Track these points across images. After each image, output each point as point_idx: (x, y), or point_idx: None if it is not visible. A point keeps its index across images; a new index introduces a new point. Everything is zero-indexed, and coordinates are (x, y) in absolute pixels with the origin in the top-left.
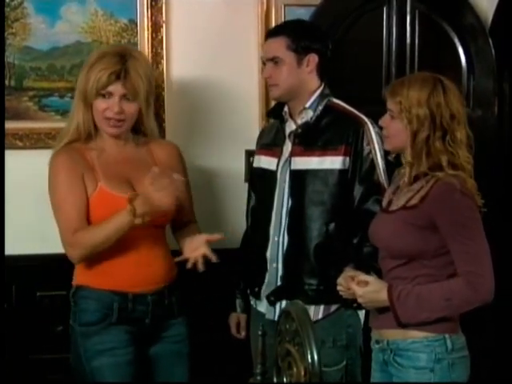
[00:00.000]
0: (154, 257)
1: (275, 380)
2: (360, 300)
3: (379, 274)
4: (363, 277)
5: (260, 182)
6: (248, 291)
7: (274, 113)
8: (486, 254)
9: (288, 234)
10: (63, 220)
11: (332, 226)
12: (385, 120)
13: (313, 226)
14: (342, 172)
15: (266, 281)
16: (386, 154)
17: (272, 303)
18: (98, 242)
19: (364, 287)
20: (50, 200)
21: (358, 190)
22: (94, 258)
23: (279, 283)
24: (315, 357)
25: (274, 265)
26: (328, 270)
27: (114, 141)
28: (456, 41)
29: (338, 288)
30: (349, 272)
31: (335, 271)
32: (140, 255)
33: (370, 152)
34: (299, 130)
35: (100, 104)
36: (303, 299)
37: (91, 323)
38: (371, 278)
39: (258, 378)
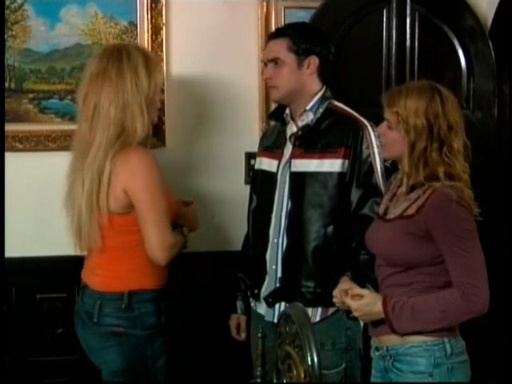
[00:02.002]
0: None
1: (275, 382)
2: (355, 314)
3: (375, 285)
4: (358, 290)
5: (261, 184)
6: (248, 293)
7: (275, 115)
8: (481, 266)
9: (287, 236)
10: (167, 223)
11: (330, 228)
12: (382, 128)
13: (311, 229)
14: (340, 175)
15: (265, 283)
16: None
17: (270, 305)
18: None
19: (359, 300)
20: (143, 197)
21: (355, 193)
22: (144, 261)
23: (278, 285)
24: (315, 359)
25: (274, 267)
26: (326, 273)
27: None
28: (456, 43)
29: (334, 300)
30: (344, 284)
31: (333, 274)
32: None
33: (369, 155)
34: (299, 133)
35: (161, 97)
36: (301, 301)
37: (156, 325)
38: (366, 291)
39: (258, 380)
